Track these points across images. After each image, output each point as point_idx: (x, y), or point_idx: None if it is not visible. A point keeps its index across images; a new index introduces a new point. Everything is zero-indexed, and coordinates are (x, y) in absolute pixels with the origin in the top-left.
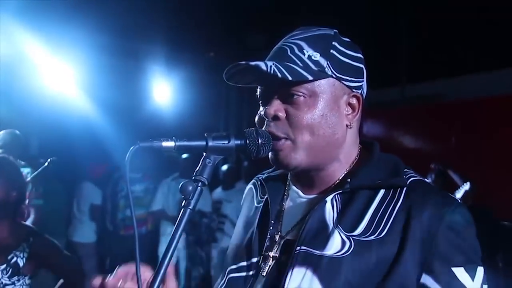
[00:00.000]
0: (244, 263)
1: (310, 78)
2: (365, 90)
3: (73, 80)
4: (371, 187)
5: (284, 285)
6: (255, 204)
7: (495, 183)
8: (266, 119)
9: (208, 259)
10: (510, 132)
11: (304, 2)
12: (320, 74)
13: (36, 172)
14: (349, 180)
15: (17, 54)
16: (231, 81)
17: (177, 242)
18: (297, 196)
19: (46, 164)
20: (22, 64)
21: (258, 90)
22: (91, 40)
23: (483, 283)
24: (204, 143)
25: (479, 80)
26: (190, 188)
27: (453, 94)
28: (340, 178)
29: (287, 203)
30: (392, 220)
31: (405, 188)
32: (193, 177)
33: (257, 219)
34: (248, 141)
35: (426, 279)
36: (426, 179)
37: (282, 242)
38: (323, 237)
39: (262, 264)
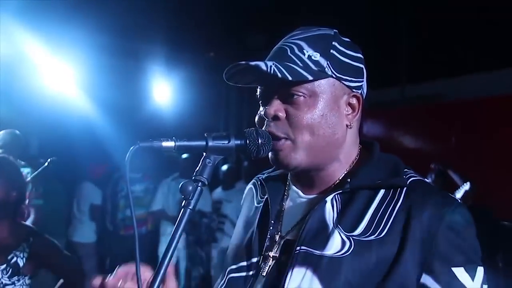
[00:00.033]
0: (244, 263)
1: (310, 78)
2: (365, 90)
3: (73, 80)
4: (371, 187)
5: (284, 285)
6: (255, 204)
7: (495, 183)
8: (266, 119)
9: (208, 259)
10: (510, 132)
11: (304, 2)
12: (320, 74)
13: (36, 172)
14: (349, 180)
15: (17, 54)
16: (231, 81)
17: (177, 242)
18: (297, 196)
19: (46, 164)
20: (22, 64)
21: (258, 90)
22: (91, 40)
23: (483, 283)
24: (204, 143)
25: (479, 80)
26: (190, 188)
27: (453, 94)
28: (340, 178)
29: (287, 203)
30: (392, 220)
31: (405, 188)
32: (193, 177)
33: (257, 219)
34: (248, 141)
35: (426, 279)
36: (426, 179)
37: (282, 242)
38: (323, 237)
39: (262, 264)
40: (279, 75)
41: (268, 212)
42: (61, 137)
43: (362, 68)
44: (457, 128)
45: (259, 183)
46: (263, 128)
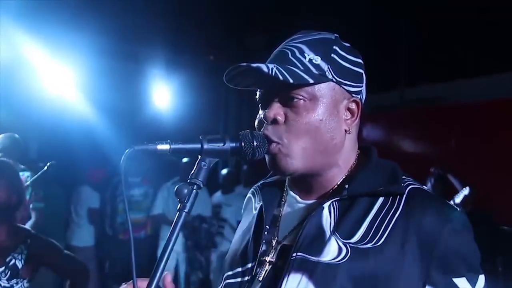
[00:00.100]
0: (240, 269)
1: (311, 81)
2: (364, 96)
3: (72, 83)
4: (369, 194)
5: None
6: (253, 212)
7: (495, 187)
8: (265, 123)
9: (208, 263)
10: (510, 136)
11: (304, 3)
12: (320, 77)
13: (35, 176)
14: (347, 186)
15: (16, 57)
16: (231, 83)
17: (173, 245)
18: (294, 202)
19: (46, 168)
20: (21, 67)
21: (258, 93)
22: (91, 43)
23: None
24: (199, 145)
25: (479, 83)
26: (186, 191)
27: (453, 97)
28: (338, 183)
29: (285, 209)
30: (391, 228)
31: (404, 196)
32: (189, 180)
33: (253, 225)
34: (243, 144)
35: None
36: (424, 187)
37: (279, 247)
38: (320, 243)
39: (258, 269)
40: (280, 77)
41: (262, 218)
42: (60, 141)
43: (362, 73)
44: (457, 131)
45: (256, 190)
46: (261, 131)
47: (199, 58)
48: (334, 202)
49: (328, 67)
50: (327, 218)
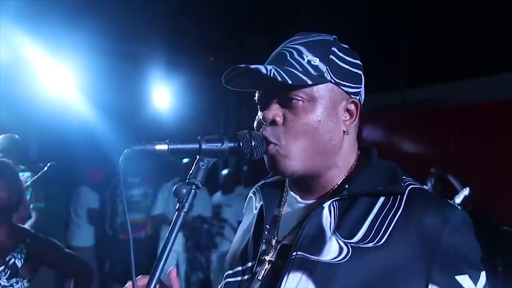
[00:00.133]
0: (240, 268)
1: (310, 82)
2: (363, 97)
3: (72, 84)
4: (370, 194)
5: None
6: (254, 211)
7: (495, 187)
8: (264, 124)
9: (208, 264)
10: (510, 136)
11: (304, 3)
12: (319, 79)
13: (35, 177)
14: (347, 186)
15: (16, 58)
16: (229, 84)
17: (172, 245)
18: (294, 202)
19: (46, 168)
20: (21, 67)
21: (257, 94)
22: (91, 44)
23: (485, 286)
24: (197, 146)
25: (479, 84)
26: (184, 191)
27: (453, 98)
28: (338, 184)
29: (285, 209)
30: (392, 228)
31: (405, 196)
32: (187, 180)
33: (253, 225)
34: (241, 144)
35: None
36: (425, 186)
37: (278, 247)
38: (320, 243)
39: (258, 268)
40: (279, 78)
41: (262, 217)
42: (60, 141)
43: (361, 74)
44: (457, 132)
45: (258, 190)
46: (259, 132)
47: (199, 59)
48: (334, 202)
49: (327, 68)
50: (327, 218)
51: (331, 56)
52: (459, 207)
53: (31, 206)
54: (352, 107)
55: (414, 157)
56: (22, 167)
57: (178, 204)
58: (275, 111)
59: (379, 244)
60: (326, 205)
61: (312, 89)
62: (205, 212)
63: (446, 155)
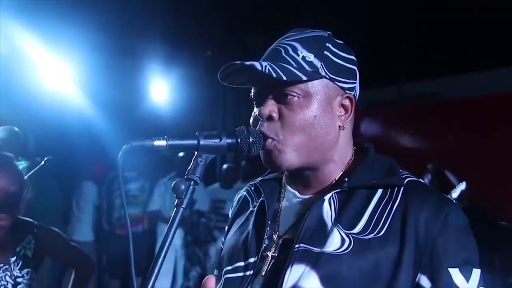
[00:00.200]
0: (241, 263)
1: (304, 78)
2: (357, 92)
3: (70, 79)
4: (369, 187)
5: (283, 282)
6: (250, 208)
7: (495, 182)
8: (260, 120)
9: (206, 258)
10: (509, 130)
11: (304, 2)
12: (314, 74)
13: (32, 171)
14: (346, 179)
15: (15, 53)
16: (225, 81)
17: (171, 240)
18: (293, 197)
19: (43, 162)
20: (20, 62)
21: (252, 91)
22: (89, 38)
23: (479, 285)
24: (195, 142)
25: (478, 78)
26: (183, 187)
27: (452, 92)
28: (337, 178)
29: (284, 204)
30: (391, 219)
31: (402, 188)
32: (186, 176)
33: (252, 221)
34: (239, 140)
35: (421, 279)
36: (422, 180)
37: (280, 242)
38: (322, 235)
39: (261, 263)
40: (274, 75)
41: (263, 213)
42: (58, 135)
43: (355, 70)
44: (457, 127)
45: (252, 188)
46: (256, 128)
47: (198, 54)
48: (334, 195)
49: (321, 64)
50: (328, 211)
51: (325, 52)
52: (455, 202)
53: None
54: (347, 102)
55: (413, 152)
56: (21, 160)
57: (176, 200)
58: (271, 107)
59: (379, 235)
60: (326, 197)
61: (307, 85)
62: (203, 207)
63: (445, 149)
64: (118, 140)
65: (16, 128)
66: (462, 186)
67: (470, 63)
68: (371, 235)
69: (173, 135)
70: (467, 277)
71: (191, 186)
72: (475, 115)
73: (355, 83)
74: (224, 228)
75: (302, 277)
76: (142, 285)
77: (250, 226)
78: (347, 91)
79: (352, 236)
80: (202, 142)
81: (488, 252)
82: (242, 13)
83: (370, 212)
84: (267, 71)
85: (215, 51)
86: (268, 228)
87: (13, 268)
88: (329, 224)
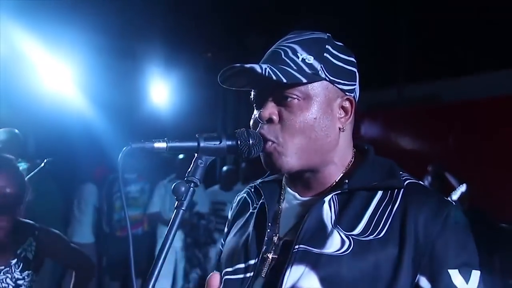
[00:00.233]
0: (242, 265)
1: (304, 80)
2: (357, 94)
3: (70, 80)
4: (369, 188)
5: (282, 283)
6: (251, 210)
7: (495, 184)
8: (260, 122)
9: (206, 260)
10: (509, 132)
11: (304, 2)
12: (314, 77)
13: (32, 174)
14: (346, 181)
15: (15, 54)
16: (225, 84)
17: (171, 242)
18: (293, 198)
19: (43, 164)
20: (20, 63)
21: (252, 93)
22: (89, 40)
23: (479, 286)
24: (195, 144)
25: (478, 81)
26: (183, 189)
27: (452, 95)
28: (337, 180)
29: (284, 206)
30: (391, 221)
31: (402, 190)
32: (186, 178)
33: (252, 223)
34: (239, 142)
35: (420, 280)
36: (422, 182)
37: (280, 243)
38: (322, 236)
39: (261, 265)
40: (273, 77)
41: (264, 215)
42: (58, 137)
43: (355, 71)
44: (457, 129)
45: (252, 190)
46: (256, 130)
47: (198, 56)
48: (334, 197)
49: (321, 66)
50: (328, 212)
51: (325, 54)
52: (454, 204)
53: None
54: (347, 104)
55: (413, 154)
56: (21, 162)
57: (176, 202)
58: (271, 109)
59: (378, 236)
60: (326, 199)
61: (307, 87)
62: (203, 208)
63: (445, 152)
64: (118, 142)
65: (16, 130)
66: (462, 188)
67: (470, 65)
68: (371, 237)
69: (173, 137)
70: (467, 279)
71: (191, 188)
72: (475, 117)
73: (355, 85)
74: (224, 230)
75: (301, 278)
76: (142, 287)
77: (251, 228)
78: (347, 93)
79: (352, 238)
80: (202, 144)
81: (488, 254)
82: (242, 14)
83: (370, 214)
84: (267, 74)
85: (215, 51)
86: (268, 230)
87: (14, 271)
88: (329, 225)
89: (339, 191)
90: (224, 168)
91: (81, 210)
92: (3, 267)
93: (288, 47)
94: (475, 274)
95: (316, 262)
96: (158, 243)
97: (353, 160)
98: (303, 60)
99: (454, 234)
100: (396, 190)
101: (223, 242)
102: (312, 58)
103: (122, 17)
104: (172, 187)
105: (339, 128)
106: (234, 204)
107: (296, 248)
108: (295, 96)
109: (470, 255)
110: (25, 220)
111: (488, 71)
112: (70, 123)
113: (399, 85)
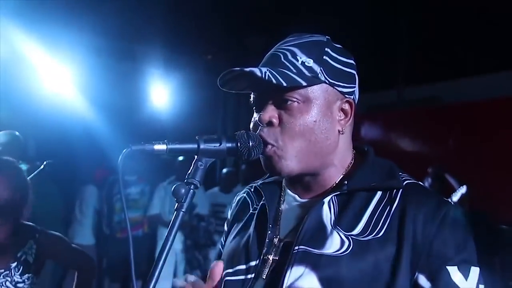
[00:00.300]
0: (242, 266)
1: (304, 83)
2: (357, 96)
3: (70, 82)
4: (368, 189)
5: (282, 283)
6: (251, 211)
7: (495, 186)
8: (260, 125)
9: (206, 262)
10: (509, 134)
11: (304, 3)
12: (313, 80)
13: (31, 175)
14: (346, 182)
15: (14, 56)
16: (225, 87)
17: (171, 244)
18: (293, 200)
19: (42, 166)
20: (20, 65)
21: (252, 96)
22: (89, 42)
23: (479, 283)
24: (195, 146)
25: (478, 82)
26: (183, 191)
27: (452, 96)
28: (337, 182)
29: (284, 207)
30: (389, 221)
31: (401, 190)
32: (186, 180)
33: (253, 224)
34: (239, 144)
35: (419, 278)
36: (421, 183)
37: (281, 245)
38: (322, 237)
39: (262, 267)
40: (273, 81)
41: (264, 216)
42: (58, 139)
43: (354, 74)
44: (456, 130)
45: (252, 190)
46: (256, 133)
47: (198, 57)
48: (333, 198)
49: (321, 69)
50: (327, 213)
51: (324, 57)
52: (453, 203)
53: None
54: (346, 106)
55: (413, 156)
56: (22, 164)
57: (176, 204)
58: (271, 112)
59: (377, 236)
60: (326, 200)
61: (307, 90)
62: (202, 210)
63: (445, 153)
64: (118, 144)
65: (16, 132)
66: (463, 189)
67: (470, 66)
68: (370, 237)
69: (173, 139)
70: (466, 275)
71: (191, 190)
72: (475, 118)
73: (354, 87)
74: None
75: (301, 278)
76: None
77: (251, 229)
78: (346, 96)
79: (351, 238)
80: (202, 146)
81: (489, 255)
82: (242, 14)
83: (369, 214)
84: (267, 77)
85: (215, 52)
86: (269, 232)
87: (14, 274)
88: (329, 226)
89: (338, 192)
90: (224, 170)
91: (82, 212)
92: (2, 270)
93: (288, 50)
94: (474, 271)
95: (316, 263)
96: (158, 245)
97: (352, 161)
98: (302, 63)
99: (453, 232)
100: (395, 190)
101: (223, 242)
102: (312, 61)
103: (121, 18)
104: (172, 189)
105: (339, 131)
106: (234, 204)
107: (296, 249)
108: (295, 99)
109: (469, 252)
110: (26, 223)
111: (488, 72)
112: (70, 125)
113: (399, 86)
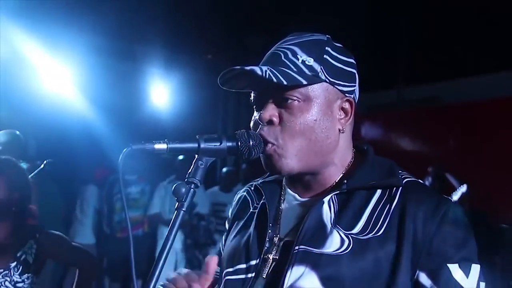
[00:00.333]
0: (243, 266)
1: (305, 82)
2: (357, 95)
3: (70, 82)
4: (368, 188)
5: (283, 283)
6: (251, 210)
7: (495, 185)
8: (261, 124)
9: None
10: (509, 134)
11: (304, 3)
12: (314, 78)
13: (32, 175)
14: (345, 181)
15: (15, 56)
16: (226, 86)
17: (172, 243)
18: (293, 199)
19: (42, 166)
20: (20, 65)
21: (252, 95)
22: (89, 42)
23: (479, 280)
24: (196, 145)
25: (478, 82)
26: (183, 190)
27: (452, 96)
28: (337, 181)
29: (284, 206)
30: (389, 219)
31: (400, 188)
32: (186, 179)
33: (253, 223)
34: (239, 143)
35: (420, 276)
36: (420, 180)
37: (281, 244)
38: (322, 236)
39: (262, 266)
40: (274, 79)
41: (265, 215)
42: (58, 138)
43: (355, 73)
44: (457, 130)
45: (252, 188)
46: (257, 132)
47: (198, 57)
48: (333, 197)
49: (321, 68)
50: (327, 212)
51: (325, 56)
52: (452, 201)
53: None
54: (347, 105)
55: (414, 156)
56: (23, 163)
57: (177, 203)
58: (272, 111)
59: (377, 235)
60: (326, 199)
61: (307, 89)
62: (203, 210)
63: (446, 153)
64: (118, 143)
65: (17, 132)
66: (463, 188)
67: (470, 66)
68: (370, 235)
69: (173, 138)
70: (467, 273)
71: (192, 189)
72: (475, 118)
73: (354, 86)
74: (223, 231)
75: (302, 278)
76: None
77: (252, 229)
78: (346, 94)
79: (351, 237)
80: (202, 145)
81: (489, 254)
82: (242, 14)
83: (369, 213)
84: (267, 76)
85: (215, 51)
86: (269, 231)
87: (13, 274)
88: (329, 225)
89: (338, 191)
90: (224, 169)
91: (83, 211)
92: (2, 270)
93: (288, 49)
94: (475, 268)
95: (316, 262)
96: (158, 244)
97: (352, 160)
98: (303, 62)
99: (453, 230)
100: (394, 188)
101: (223, 241)
102: (312, 60)
103: (121, 18)
104: (173, 188)
105: (339, 129)
106: (234, 203)
107: (297, 249)
108: (295, 98)
109: (469, 250)
110: (26, 223)
111: (488, 72)
112: (71, 124)
113: (399, 86)
